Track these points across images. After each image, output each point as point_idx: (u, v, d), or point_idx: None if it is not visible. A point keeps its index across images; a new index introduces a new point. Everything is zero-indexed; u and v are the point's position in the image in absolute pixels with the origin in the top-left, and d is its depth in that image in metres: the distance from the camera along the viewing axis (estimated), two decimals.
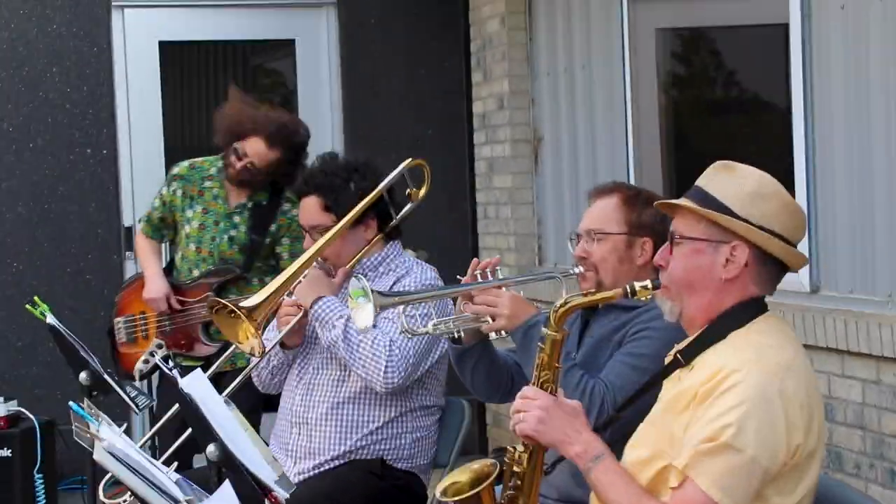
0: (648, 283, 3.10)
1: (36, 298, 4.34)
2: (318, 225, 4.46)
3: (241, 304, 4.29)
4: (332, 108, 8.14)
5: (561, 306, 3.12)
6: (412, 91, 8.12)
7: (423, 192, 4.54)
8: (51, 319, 4.23)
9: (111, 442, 2.82)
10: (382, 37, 8.12)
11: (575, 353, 3.73)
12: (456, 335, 3.79)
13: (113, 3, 7.82)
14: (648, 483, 2.98)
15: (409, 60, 8.14)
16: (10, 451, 5.72)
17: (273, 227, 5.53)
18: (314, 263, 4.44)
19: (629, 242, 3.76)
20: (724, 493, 2.82)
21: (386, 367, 4.22)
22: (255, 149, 5.57)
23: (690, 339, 3.07)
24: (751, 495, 2.85)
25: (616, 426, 3.39)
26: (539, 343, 3.14)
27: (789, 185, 5.23)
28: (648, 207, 3.71)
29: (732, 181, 3.02)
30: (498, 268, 3.78)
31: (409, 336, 3.94)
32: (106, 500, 4.51)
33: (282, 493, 3.37)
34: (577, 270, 3.78)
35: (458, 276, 3.83)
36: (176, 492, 2.89)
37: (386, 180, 4.48)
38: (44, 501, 5.58)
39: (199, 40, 8.05)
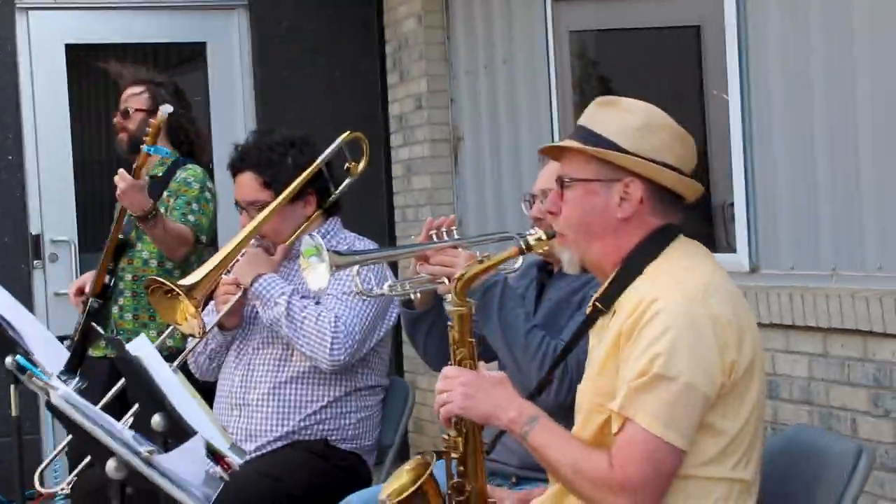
0: (542, 233, 2.97)
1: None
2: (255, 201, 4.33)
3: (180, 283, 4.14)
4: (244, 111, 7.99)
5: (458, 279, 2.99)
6: (328, 94, 8.00)
7: (361, 166, 4.41)
8: None
9: (66, 391, 2.65)
10: (296, 39, 7.98)
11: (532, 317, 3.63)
12: (413, 296, 3.66)
13: (17, 5, 7.58)
14: (593, 440, 2.83)
15: (323, 63, 8.02)
16: None
17: (164, 194, 5.26)
18: (252, 241, 4.30)
19: None
20: (666, 426, 2.68)
21: (332, 343, 4.09)
22: (127, 93, 5.46)
23: (605, 284, 2.93)
24: (695, 424, 2.71)
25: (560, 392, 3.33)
26: (448, 321, 3.01)
27: (726, 164, 5.21)
28: None
29: (618, 116, 2.89)
30: (453, 227, 3.67)
31: (364, 297, 3.81)
32: (40, 488, 4.32)
33: (235, 459, 3.24)
34: (533, 231, 3.66)
35: (411, 236, 3.70)
36: (135, 443, 2.73)
37: (324, 154, 4.35)
38: None
39: (106, 43, 7.81)
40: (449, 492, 3.04)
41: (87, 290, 5.16)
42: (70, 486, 4.31)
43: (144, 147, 4.78)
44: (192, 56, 8.77)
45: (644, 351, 2.70)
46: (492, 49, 6.97)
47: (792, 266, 4.87)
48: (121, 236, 5.20)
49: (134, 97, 5.42)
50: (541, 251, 3.13)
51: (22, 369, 2.84)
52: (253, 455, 4.15)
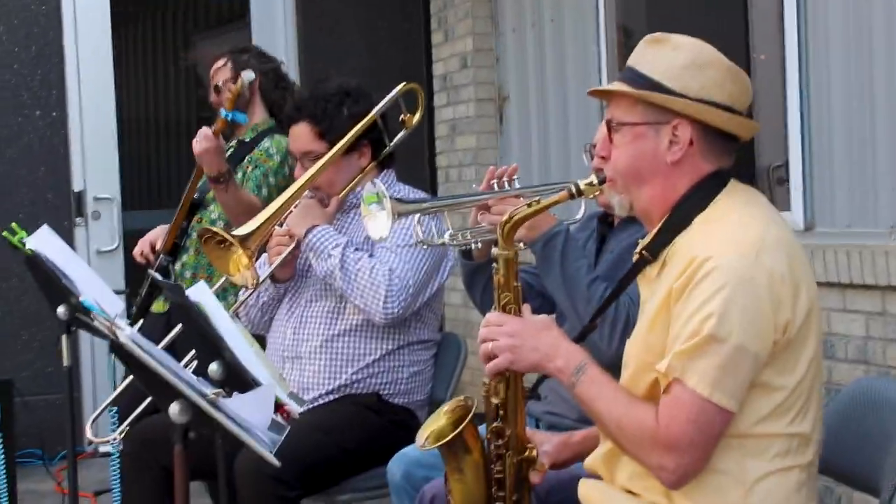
0: (594, 178, 2.89)
1: (14, 225, 4.11)
2: (310, 152, 4.28)
3: (234, 233, 4.10)
4: (288, 73, 7.92)
5: (506, 222, 2.93)
6: (370, 54, 7.94)
7: (416, 118, 4.37)
8: (31, 245, 3.99)
9: (133, 331, 2.62)
10: (339, 2, 7.93)
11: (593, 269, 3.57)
12: (474, 247, 3.61)
13: None
14: (644, 398, 2.75)
15: (367, 22, 7.97)
16: None
17: (245, 160, 5.18)
18: (306, 192, 4.26)
19: None
20: (714, 388, 2.60)
21: (386, 296, 4.05)
22: (213, 70, 5.37)
23: (653, 232, 2.85)
24: (745, 385, 2.64)
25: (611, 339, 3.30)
26: (493, 264, 2.96)
27: (772, 127, 5.14)
28: None
29: (664, 55, 2.79)
30: (515, 177, 3.61)
31: (423, 248, 3.75)
32: (92, 437, 4.30)
33: (295, 408, 3.20)
34: (595, 179, 3.61)
35: (473, 186, 3.65)
36: (200, 385, 2.69)
37: (380, 105, 4.30)
38: (3, 461, 5.31)
39: None
40: (488, 436, 3.00)
41: (157, 246, 5.15)
42: (122, 436, 4.28)
43: (221, 112, 4.75)
44: (231, 16, 8.75)
45: (696, 311, 2.62)
46: (539, 7, 6.90)
47: (848, 224, 4.80)
48: (196, 195, 5.18)
49: (218, 71, 5.34)
50: (593, 196, 3.05)
51: (86, 311, 2.80)
52: (306, 408, 4.11)
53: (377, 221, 3.50)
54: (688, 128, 2.77)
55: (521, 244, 3.50)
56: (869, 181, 4.70)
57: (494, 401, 2.96)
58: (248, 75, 4.75)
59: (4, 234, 4.11)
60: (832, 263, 4.62)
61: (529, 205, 2.96)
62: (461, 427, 2.97)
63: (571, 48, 6.67)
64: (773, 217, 2.82)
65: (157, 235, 5.25)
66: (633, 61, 2.85)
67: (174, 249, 5.17)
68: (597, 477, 2.95)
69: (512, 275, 2.94)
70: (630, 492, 2.83)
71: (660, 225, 2.83)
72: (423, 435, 3.03)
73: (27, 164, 7.47)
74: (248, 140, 5.21)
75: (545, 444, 3.10)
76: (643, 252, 2.86)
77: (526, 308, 2.96)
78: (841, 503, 4.67)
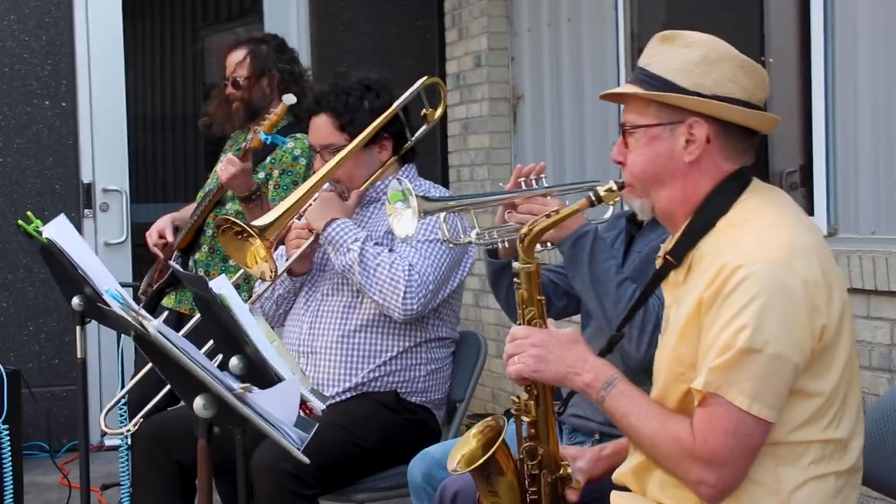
0: (612, 184, 2.82)
1: (29, 213, 4.05)
2: (330, 144, 4.22)
3: (253, 224, 4.03)
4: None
5: (526, 234, 2.88)
6: (383, 51, 7.89)
7: (438, 112, 4.31)
8: (47, 234, 3.92)
9: (159, 322, 2.55)
10: None
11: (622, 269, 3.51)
12: (500, 246, 3.54)
13: None
14: (677, 410, 2.69)
15: (380, 19, 7.91)
16: None
17: (267, 160, 5.17)
18: (326, 185, 4.19)
19: None
20: (753, 399, 2.53)
21: (405, 292, 3.98)
22: (231, 61, 5.26)
23: (676, 236, 2.78)
24: (784, 394, 2.56)
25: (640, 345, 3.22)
26: (514, 279, 2.91)
27: (806, 124, 5.07)
28: None
29: (675, 53, 2.73)
30: (543, 175, 3.55)
31: (448, 246, 3.69)
32: (107, 429, 4.23)
33: (317, 404, 3.14)
34: (614, 185, 3.54)
35: (500, 184, 3.59)
36: (227, 379, 2.63)
37: (401, 98, 4.24)
38: (9, 453, 5.25)
39: None
40: (521, 456, 2.94)
41: (171, 239, 5.10)
42: (135, 429, 4.22)
43: (261, 135, 4.65)
44: (243, 11, 8.70)
45: (728, 323, 2.54)
46: (556, 6, 6.84)
47: (873, 230, 4.74)
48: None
49: (239, 66, 5.22)
50: (613, 202, 2.98)
51: (105, 303, 2.74)
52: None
53: (403, 220, 3.43)
54: (704, 126, 2.71)
55: (549, 244, 3.47)
56: (894, 187, 4.63)
57: (526, 419, 2.91)
58: (289, 99, 4.65)
59: (19, 222, 4.05)
60: (856, 270, 4.55)
61: (548, 216, 2.90)
62: (494, 448, 2.89)
63: (588, 48, 6.61)
64: (801, 218, 2.75)
65: (164, 225, 5.20)
66: (643, 61, 2.79)
67: (189, 247, 5.11)
68: (626, 489, 2.90)
69: (535, 288, 2.88)
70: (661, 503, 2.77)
71: (682, 229, 2.77)
72: (454, 459, 2.96)
73: (35, 154, 7.41)
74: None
75: (578, 460, 3.04)
76: (667, 257, 2.80)
77: (551, 322, 2.91)
78: None
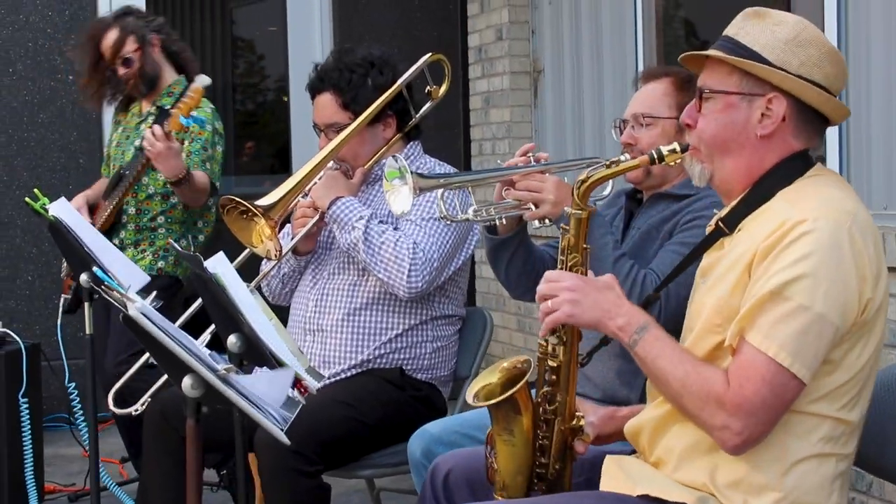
0: (676, 145, 2.81)
1: (36, 191, 4.08)
2: (334, 123, 4.22)
3: (257, 203, 4.04)
4: (322, 40, 7.90)
5: (583, 182, 2.86)
6: (405, 24, 7.88)
7: (443, 89, 4.29)
8: (54, 212, 3.96)
9: (143, 303, 2.57)
10: None
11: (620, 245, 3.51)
12: (498, 222, 3.55)
13: None
14: (704, 360, 2.69)
15: None
16: None
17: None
18: (330, 164, 4.20)
19: (679, 128, 3.52)
20: (793, 357, 2.54)
21: (409, 270, 3.99)
22: (107, 45, 5.34)
23: (732, 203, 2.79)
24: (821, 357, 2.58)
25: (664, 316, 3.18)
26: (563, 225, 2.90)
27: None
28: None
29: (766, 28, 2.73)
30: (542, 153, 3.55)
31: (447, 223, 3.69)
32: (114, 409, 4.27)
33: (312, 383, 3.16)
34: (623, 158, 3.54)
35: (498, 161, 3.59)
36: (211, 360, 2.64)
37: (405, 75, 4.22)
38: (29, 426, 5.29)
39: None
40: (538, 399, 2.94)
41: (87, 219, 5.17)
42: (142, 408, 4.26)
43: (180, 118, 4.73)
44: None
45: (781, 271, 2.55)
46: None
47: (885, 206, 4.72)
48: (125, 171, 5.24)
49: (119, 44, 5.33)
50: (672, 163, 2.94)
51: (98, 281, 2.76)
52: (328, 381, 4.08)
53: (399, 196, 3.44)
54: (783, 102, 2.71)
55: (548, 220, 3.47)
56: None
57: (551, 363, 2.90)
58: (202, 80, 4.75)
59: (26, 199, 4.08)
60: None
61: (607, 166, 2.89)
62: (514, 390, 2.89)
63: (609, 22, 6.58)
64: (859, 198, 2.76)
65: (80, 204, 5.33)
66: (731, 31, 2.78)
67: (112, 228, 5.27)
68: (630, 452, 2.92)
69: (582, 236, 2.87)
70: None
71: (741, 197, 2.77)
72: (474, 386, 2.98)
73: (59, 128, 7.45)
74: (168, 106, 5.22)
75: (591, 415, 3.03)
76: (719, 223, 2.80)
77: (590, 273, 2.90)
78: (872, 489, 4.60)
